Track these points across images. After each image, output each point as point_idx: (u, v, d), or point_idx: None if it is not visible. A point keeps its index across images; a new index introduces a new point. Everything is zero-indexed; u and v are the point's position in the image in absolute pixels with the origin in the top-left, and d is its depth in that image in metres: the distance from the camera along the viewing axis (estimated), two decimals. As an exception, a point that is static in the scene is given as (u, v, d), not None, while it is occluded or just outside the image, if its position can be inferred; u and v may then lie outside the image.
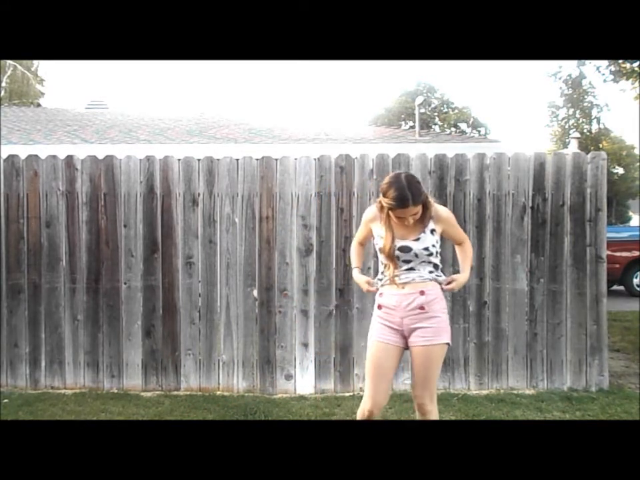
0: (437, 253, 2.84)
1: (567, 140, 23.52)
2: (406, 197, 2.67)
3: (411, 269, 2.81)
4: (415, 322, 2.77)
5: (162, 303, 4.62)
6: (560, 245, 4.61)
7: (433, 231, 2.83)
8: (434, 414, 2.81)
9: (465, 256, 3.01)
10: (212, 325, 4.61)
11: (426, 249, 2.79)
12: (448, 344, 2.82)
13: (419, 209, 2.75)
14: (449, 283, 2.89)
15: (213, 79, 59.13)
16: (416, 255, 2.79)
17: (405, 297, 2.79)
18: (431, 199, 2.88)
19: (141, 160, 4.63)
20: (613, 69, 9.41)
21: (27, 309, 4.62)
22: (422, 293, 2.77)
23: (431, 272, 2.83)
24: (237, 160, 4.65)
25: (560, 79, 22.68)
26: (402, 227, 2.82)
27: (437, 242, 2.84)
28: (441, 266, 2.89)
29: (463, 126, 31.46)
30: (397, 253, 2.81)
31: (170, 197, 4.61)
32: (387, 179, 2.78)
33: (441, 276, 2.87)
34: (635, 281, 11.00)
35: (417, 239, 2.80)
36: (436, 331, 2.76)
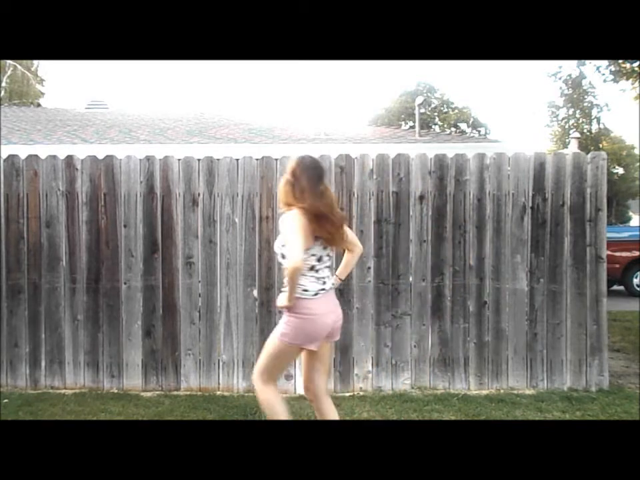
0: (283, 256, 2.86)
1: (567, 140, 23.48)
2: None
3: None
4: None
5: (162, 303, 4.61)
6: (560, 245, 4.61)
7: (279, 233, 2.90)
8: (258, 392, 2.96)
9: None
10: (212, 325, 4.61)
11: (276, 248, 2.91)
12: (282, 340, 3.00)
13: (286, 176, 2.85)
14: None
15: (213, 78, 59.16)
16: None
17: None
18: (296, 203, 2.80)
19: (140, 160, 4.63)
20: (613, 68, 9.40)
21: (27, 309, 4.62)
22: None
23: (284, 278, 2.85)
24: (237, 160, 4.65)
25: (560, 79, 22.60)
26: None
27: (282, 245, 2.85)
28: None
29: (463, 126, 31.45)
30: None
31: (170, 197, 4.61)
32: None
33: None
34: (635, 280, 11.02)
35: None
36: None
